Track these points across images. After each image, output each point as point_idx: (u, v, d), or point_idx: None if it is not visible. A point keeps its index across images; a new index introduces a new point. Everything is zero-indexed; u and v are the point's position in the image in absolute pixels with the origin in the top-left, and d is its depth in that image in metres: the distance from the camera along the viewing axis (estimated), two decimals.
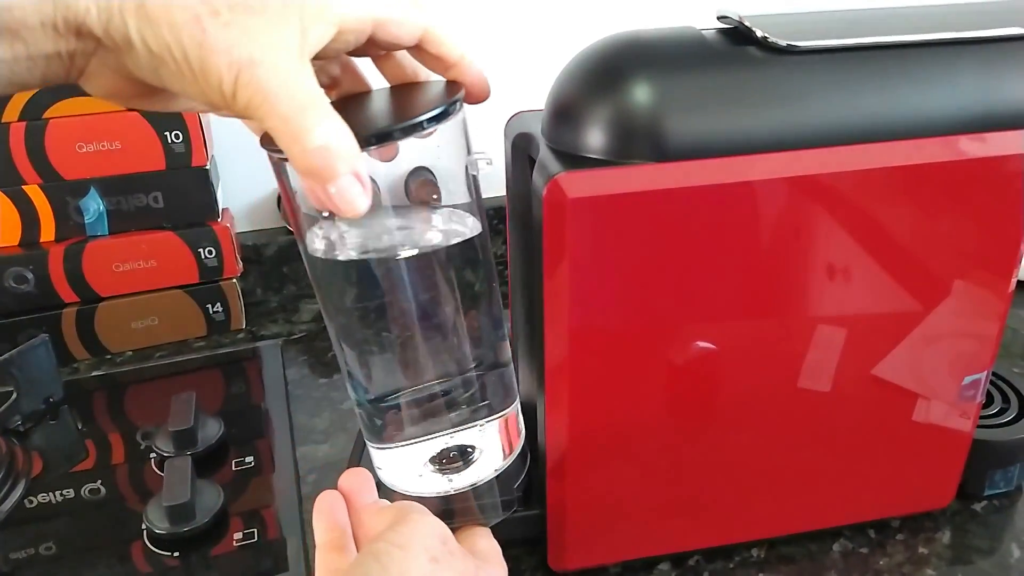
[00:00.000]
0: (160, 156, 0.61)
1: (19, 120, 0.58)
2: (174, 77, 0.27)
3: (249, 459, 0.53)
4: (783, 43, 0.35)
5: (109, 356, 0.65)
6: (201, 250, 0.64)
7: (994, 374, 0.53)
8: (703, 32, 0.37)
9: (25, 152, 0.59)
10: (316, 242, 0.40)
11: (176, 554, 0.47)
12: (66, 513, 0.50)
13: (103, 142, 0.60)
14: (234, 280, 0.66)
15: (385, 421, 0.44)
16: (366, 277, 0.40)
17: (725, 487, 0.44)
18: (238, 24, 0.26)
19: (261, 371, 0.63)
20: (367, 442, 0.45)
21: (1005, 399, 0.51)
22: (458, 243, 0.39)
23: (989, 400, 0.51)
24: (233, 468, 0.53)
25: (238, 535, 0.48)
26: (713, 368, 0.39)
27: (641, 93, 0.35)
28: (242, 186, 0.71)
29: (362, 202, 0.29)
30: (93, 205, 0.61)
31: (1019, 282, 0.49)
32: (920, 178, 0.37)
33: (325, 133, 0.27)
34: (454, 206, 0.39)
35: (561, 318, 0.37)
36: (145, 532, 0.47)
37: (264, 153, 0.34)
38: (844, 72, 0.36)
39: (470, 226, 0.39)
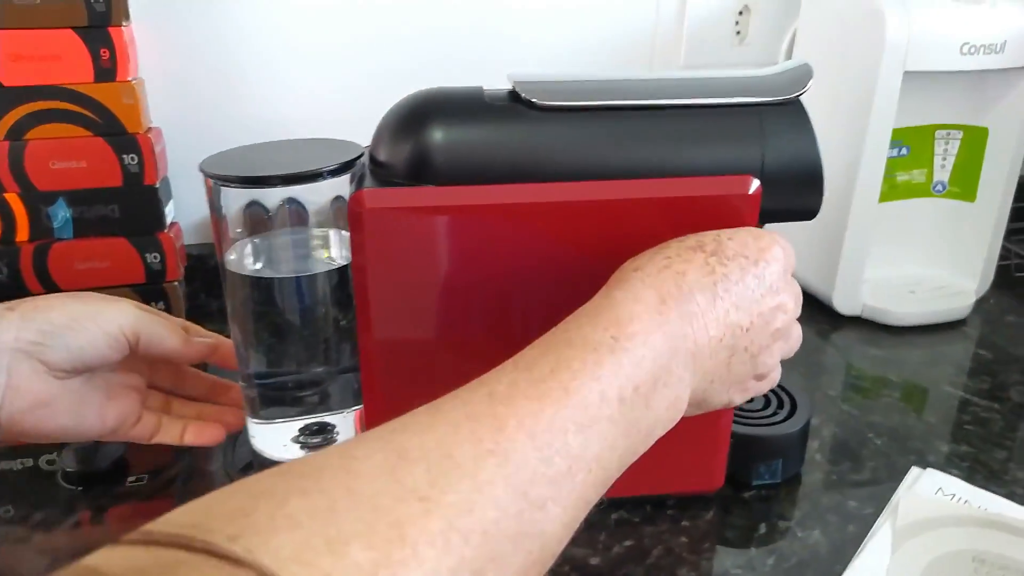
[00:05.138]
0: (118, 174, 0.74)
1: (3, 139, 0.71)
2: None
3: None
4: (534, 101, 0.47)
5: None
6: (148, 255, 0.76)
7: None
8: (486, 90, 0.49)
9: (7, 166, 0.72)
10: (231, 255, 0.52)
11: (80, 488, 0.58)
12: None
13: (72, 161, 0.73)
14: (176, 283, 0.78)
15: (262, 401, 0.56)
16: (264, 287, 0.52)
17: None
18: None
19: None
20: (247, 417, 0.56)
21: (780, 404, 0.61)
22: (339, 267, 0.51)
23: (767, 403, 0.61)
24: None
25: (131, 479, 0.59)
26: (482, 350, 0.49)
27: (428, 133, 0.46)
28: (193, 205, 0.84)
29: None
30: (61, 212, 0.74)
31: None
32: (646, 209, 0.47)
33: None
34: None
35: (365, 310, 0.47)
36: (59, 472, 0.59)
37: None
38: (580, 125, 0.47)
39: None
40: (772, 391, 0.62)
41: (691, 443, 0.55)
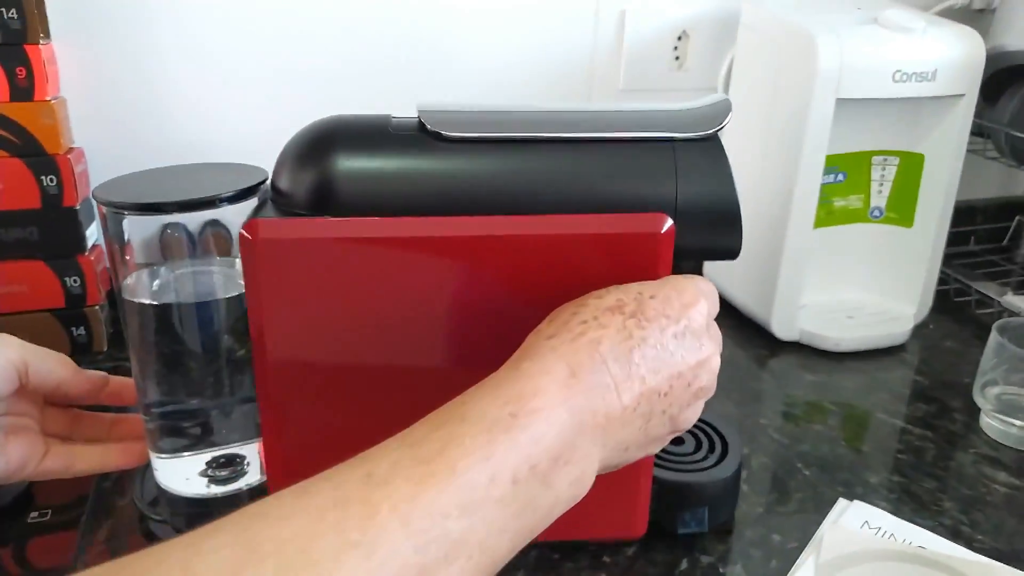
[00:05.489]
0: (36, 196, 0.71)
1: None
2: None
3: None
4: (440, 131, 0.44)
5: None
6: (67, 279, 0.74)
7: (703, 421, 0.61)
8: (392, 119, 0.47)
9: None
10: (128, 281, 0.50)
11: None
12: None
13: None
14: (97, 307, 0.76)
15: (163, 434, 0.53)
16: (161, 315, 0.50)
17: None
18: None
19: None
20: (150, 451, 0.54)
21: (711, 446, 0.59)
22: (239, 294, 0.49)
23: (697, 445, 0.59)
24: None
25: (35, 514, 0.56)
26: (381, 384, 0.47)
27: (328, 163, 0.44)
28: None
29: None
30: None
31: None
32: (555, 246, 0.43)
33: None
34: None
35: (259, 340, 0.45)
36: None
37: None
38: (487, 157, 0.44)
39: None
40: (701, 431, 0.60)
41: (609, 488, 0.50)
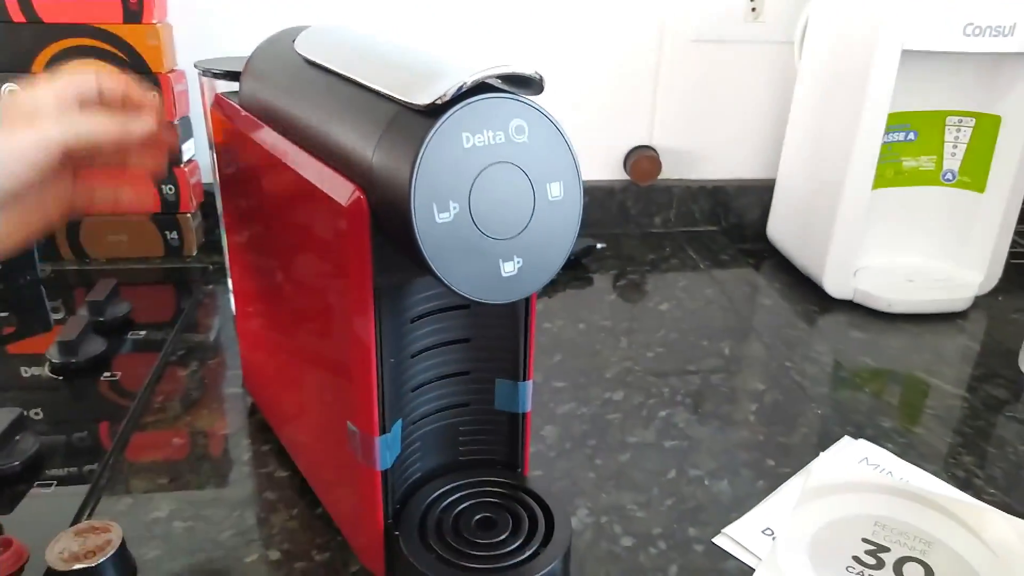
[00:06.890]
0: None
1: (43, 71, 0.79)
2: None
3: (143, 332, 0.71)
4: (295, 48, 0.47)
5: (87, 260, 0.85)
6: (164, 186, 0.83)
7: (532, 497, 0.46)
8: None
9: None
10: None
11: (61, 378, 0.64)
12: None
13: None
14: (188, 215, 0.84)
15: None
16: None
17: None
18: None
19: (190, 286, 0.81)
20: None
21: (531, 529, 0.44)
22: None
23: (514, 531, 0.43)
24: (128, 336, 0.70)
25: (107, 374, 0.65)
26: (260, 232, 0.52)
27: (249, 66, 0.51)
28: None
29: None
30: None
31: None
32: (287, 179, 0.43)
33: None
34: None
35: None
36: (47, 363, 0.65)
37: None
38: (302, 81, 0.45)
39: None
40: (526, 509, 0.45)
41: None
